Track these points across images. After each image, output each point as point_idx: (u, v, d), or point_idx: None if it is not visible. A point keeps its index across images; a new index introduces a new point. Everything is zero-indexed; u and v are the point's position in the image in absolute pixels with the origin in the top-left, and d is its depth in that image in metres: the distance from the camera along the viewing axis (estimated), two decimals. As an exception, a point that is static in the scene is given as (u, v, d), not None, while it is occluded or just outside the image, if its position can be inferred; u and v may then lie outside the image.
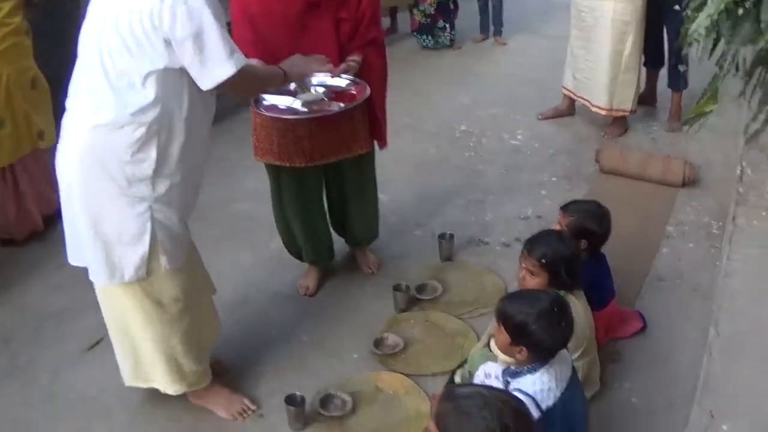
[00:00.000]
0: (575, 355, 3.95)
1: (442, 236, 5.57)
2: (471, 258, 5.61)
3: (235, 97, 4.59)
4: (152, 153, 3.55)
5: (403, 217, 6.14)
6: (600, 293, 4.51)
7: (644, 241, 5.71)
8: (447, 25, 10.02)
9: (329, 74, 4.42)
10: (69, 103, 3.67)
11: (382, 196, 5.56)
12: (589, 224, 4.53)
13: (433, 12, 9.93)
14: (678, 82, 7.38)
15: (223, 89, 3.60)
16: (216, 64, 3.47)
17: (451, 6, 10.08)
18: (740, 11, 3.79)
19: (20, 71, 5.53)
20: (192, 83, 3.55)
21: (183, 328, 3.99)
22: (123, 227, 3.65)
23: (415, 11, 10.06)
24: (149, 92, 3.46)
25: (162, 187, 3.64)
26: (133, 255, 3.69)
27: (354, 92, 4.47)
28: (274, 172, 4.91)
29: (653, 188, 6.42)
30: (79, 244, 3.80)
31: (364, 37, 4.59)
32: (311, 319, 5.04)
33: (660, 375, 4.47)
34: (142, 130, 3.49)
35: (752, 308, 4.56)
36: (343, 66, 4.46)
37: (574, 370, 3.64)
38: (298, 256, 5.32)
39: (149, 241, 3.67)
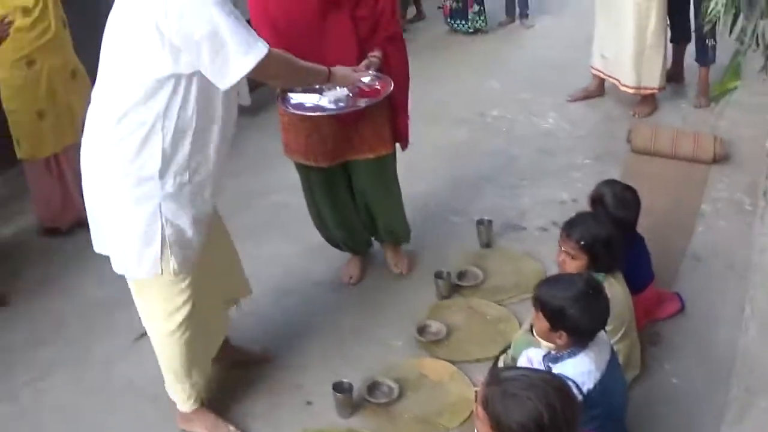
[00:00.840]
0: (615, 338, 4.02)
1: (480, 222, 5.63)
2: (509, 243, 5.67)
3: (272, 84, 4.46)
4: (157, 151, 3.53)
5: (441, 204, 6.20)
6: (638, 277, 4.55)
7: (679, 220, 5.76)
8: (480, 8, 9.94)
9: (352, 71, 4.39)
10: (92, 95, 3.69)
11: (419, 185, 5.67)
12: (606, 198, 4.59)
13: (463, -5, 9.89)
14: (705, 56, 7.33)
15: (255, 76, 3.57)
16: (234, 61, 3.41)
17: None
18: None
19: (61, 63, 5.74)
20: (199, 84, 3.51)
21: (187, 336, 3.98)
22: (135, 224, 3.66)
23: (443, -4, 10.02)
24: (152, 93, 3.45)
25: (170, 185, 3.62)
26: (146, 253, 3.70)
27: (378, 87, 4.44)
28: (303, 168, 4.96)
29: (685, 166, 6.44)
30: (101, 234, 3.83)
31: (384, 33, 4.60)
32: (355, 307, 5.14)
33: (699, 355, 4.53)
34: (145, 128, 3.49)
35: (787, 284, 4.62)
36: (365, 62, 4.47)
37: (613, 351, 3.71)
38: (337, 245, 5.39)
39: (160, 241, 3.67)
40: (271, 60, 3.52)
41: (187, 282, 3.86)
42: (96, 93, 3.66)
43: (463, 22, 9.98)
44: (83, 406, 4.55)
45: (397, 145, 5.04)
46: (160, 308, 3.91)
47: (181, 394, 4.17)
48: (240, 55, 3.40)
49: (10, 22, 5.42)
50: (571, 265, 4.13)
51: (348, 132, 4.70)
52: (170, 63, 3.41)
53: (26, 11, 5.50)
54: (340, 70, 4.13)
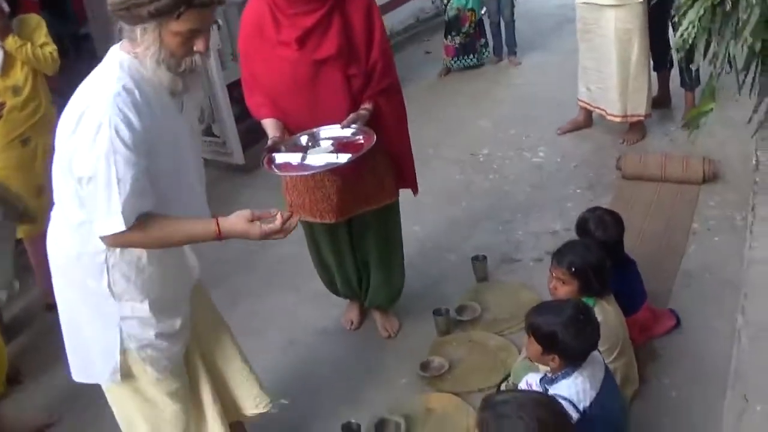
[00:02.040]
0: (611, 357, 4.13)
1: (475, 258, 5.74)
2: (505, 276, 5.78)
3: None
4: (104, 281, 3.35)
5: (438, 244, 6.31)
6: (631, 299, 4.66)
7: (671, 240, 5.86)
8: (485, 40, 10.24)
9: (339, 125, 4.31)
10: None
11: (414, 226, 5.75)
12: (589, 224, 4.77)
13: (472, 31, 10.03)
14: (689, 81, 7.46)
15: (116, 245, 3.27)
16: (97, 217, 3.14)
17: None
18: (720, 12, 3.99)
19: (53, 140, 5.82)
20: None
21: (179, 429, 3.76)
22: (96, 336, 3.50)
23: (449, 38, 10.10)
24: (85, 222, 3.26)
25: (127, 309, 3.43)
26: (106, 363, 3.52)
27: (361, 141, 4.23)
28: (307, 224, 4.97)
29: (676, 188, 6.54)
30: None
31: (377, 87, 4.52)
32: (358, 351, 5.23)
33: (696, 368, 4.65)
34: (96, 257, 3.32)
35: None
36: (352, 116, 4.34)
37: (608, 370, 3.82)
38: (336, 292, 5.43)
39: (120, 354, 3.47)
40: (132, 237, 3.18)
41: (172, 379, 3.67)
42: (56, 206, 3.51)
43: (473, 56, 10.17)
44: None
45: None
46: (148, 402, 3.69)
47: None
48: (103, 214, 3.13)
49: (2, 104, 5.52)
50: (563, 290, 4.24)
51: (351, 186, 4.70)
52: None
53: (17, 90, 5.62)
54: (230, 226, 3.30)
